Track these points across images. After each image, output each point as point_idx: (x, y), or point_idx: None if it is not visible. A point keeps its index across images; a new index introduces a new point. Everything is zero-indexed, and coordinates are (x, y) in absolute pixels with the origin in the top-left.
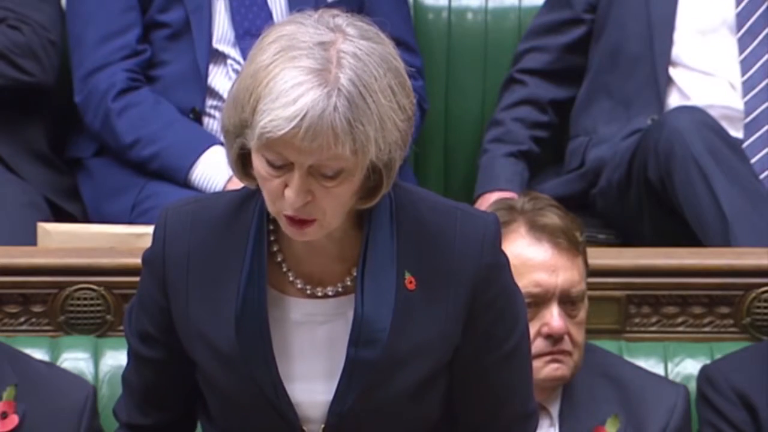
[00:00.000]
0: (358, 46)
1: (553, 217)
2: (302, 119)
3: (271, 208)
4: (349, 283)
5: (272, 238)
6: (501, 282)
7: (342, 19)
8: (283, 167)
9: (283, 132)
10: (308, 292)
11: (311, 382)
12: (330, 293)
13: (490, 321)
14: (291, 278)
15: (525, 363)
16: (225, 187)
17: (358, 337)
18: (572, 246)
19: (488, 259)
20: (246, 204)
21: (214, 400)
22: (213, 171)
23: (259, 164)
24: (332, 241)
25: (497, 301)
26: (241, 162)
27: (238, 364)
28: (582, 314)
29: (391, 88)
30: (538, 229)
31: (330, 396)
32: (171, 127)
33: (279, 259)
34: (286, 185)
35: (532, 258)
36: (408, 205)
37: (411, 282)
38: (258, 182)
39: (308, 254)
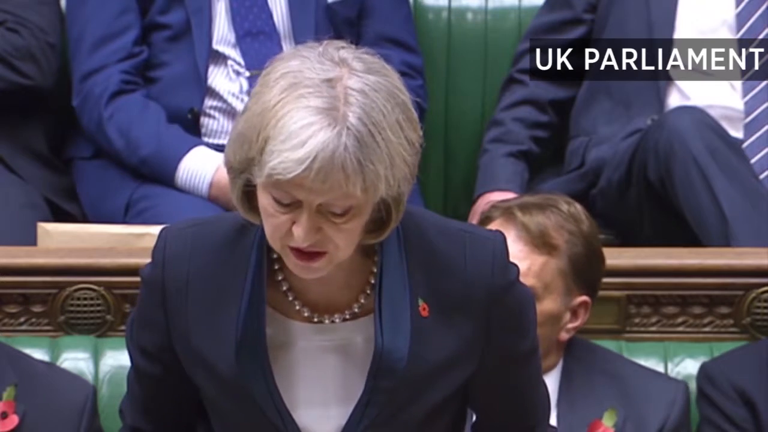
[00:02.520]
0: (365, 81)
1: (530, 215)
2: (313, 161)
3: (275, 243)
4: (356, 310)
5: (276, 267)
6: (514, 298)
7: (347, 52)
8: (291, 205)
9: (293, 175)
10: (315, 320)
11: (320, 408)
12: (337, 320)
13: (507, 336)
14: (297, 307)
15: (537, 356)
16: (211, 184)
17: (378, 368)
18: (536, 241)
19: (500, 281)
20: (247, 229)
21: (217, 421)
22: (198, 170)
23: (265, 201)
24: (339, 270)
25: (513, 316)
26: (246, 197)
27: (239, 390)
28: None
29: (399, 124)
30: (510, 220)
31: (341, 421)
32: (154, 134)
33: (284, 287)
34: (293, 222)
35: None
36: (415, 231)
37: (424, 309)
38: (261, 216)
39: (314, 283)
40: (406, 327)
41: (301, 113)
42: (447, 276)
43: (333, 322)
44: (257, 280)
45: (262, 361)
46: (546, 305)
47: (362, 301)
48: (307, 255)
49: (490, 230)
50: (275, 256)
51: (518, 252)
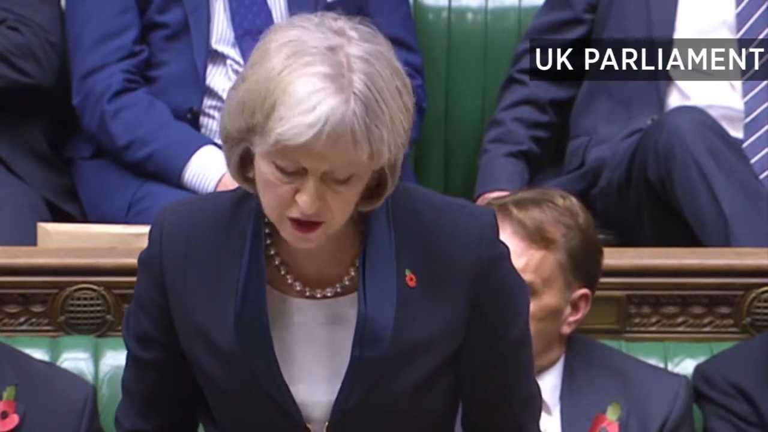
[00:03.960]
0: (365, 48)
1: (526, 210)
2: (324, 125)
3: (272, 214)
4: (347, 283)
5: (268, 242)
6: (501, 274)
7: (343, 23)
8: (295, 173)
9: (304, 139)
10: (307, 294)
11: (314, 383)
12: (329, 294)
13: (494, 313)
14: (290, 281)
15: (528, 350)
16: (216, 186)
17: (362, 337)
18: (533, 236)
19: (488, 253)
20: (243, 204)
21: (216, 401)
22: (205, 171)
23: (266, 170)
24: (329, 242)
25: (499, 293)
26: (242, 168)
27: (239, 364)
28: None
29: (397, 90)
30: (506, 216)
31: (333, 396)
32: (163, 129)
33: (277, 262)
34: (296, 191)
35: None
36: (404, 202)
37: (411, 279)
38: (258, 187)
39: (305, 256)
40: (392, 296)
41: (310, 79)
42: (434, 247)
43: (325, 296)
44: (255, 252)
45: (263, 334)
46: (546, 300)
47: (352, 273)
48: (305, 225)
49: (481, 206)
50: (267, 230)
51: (515, 248)
